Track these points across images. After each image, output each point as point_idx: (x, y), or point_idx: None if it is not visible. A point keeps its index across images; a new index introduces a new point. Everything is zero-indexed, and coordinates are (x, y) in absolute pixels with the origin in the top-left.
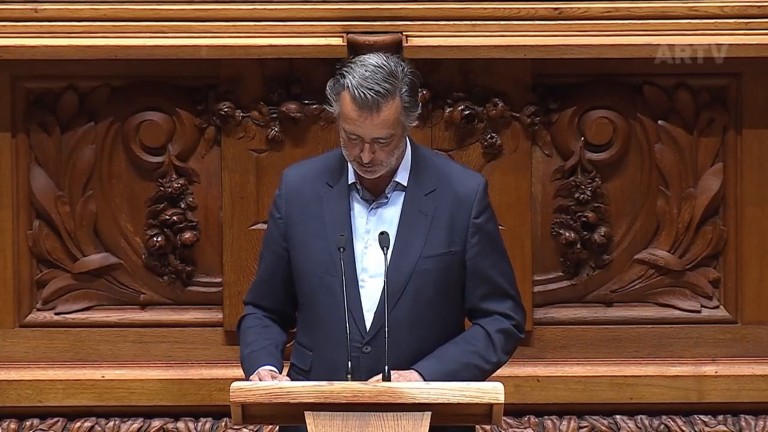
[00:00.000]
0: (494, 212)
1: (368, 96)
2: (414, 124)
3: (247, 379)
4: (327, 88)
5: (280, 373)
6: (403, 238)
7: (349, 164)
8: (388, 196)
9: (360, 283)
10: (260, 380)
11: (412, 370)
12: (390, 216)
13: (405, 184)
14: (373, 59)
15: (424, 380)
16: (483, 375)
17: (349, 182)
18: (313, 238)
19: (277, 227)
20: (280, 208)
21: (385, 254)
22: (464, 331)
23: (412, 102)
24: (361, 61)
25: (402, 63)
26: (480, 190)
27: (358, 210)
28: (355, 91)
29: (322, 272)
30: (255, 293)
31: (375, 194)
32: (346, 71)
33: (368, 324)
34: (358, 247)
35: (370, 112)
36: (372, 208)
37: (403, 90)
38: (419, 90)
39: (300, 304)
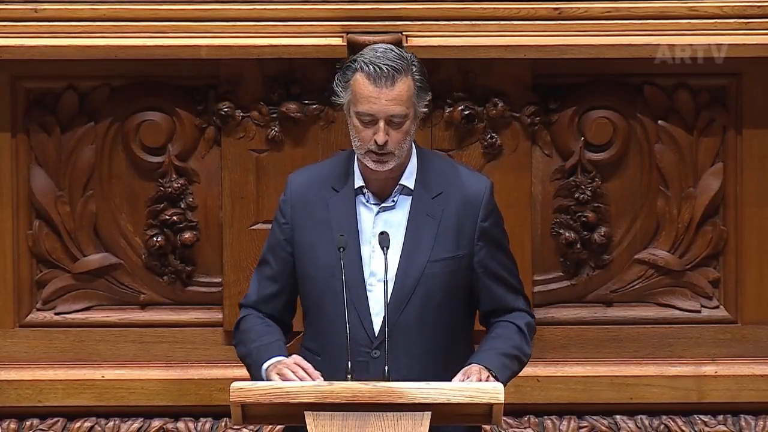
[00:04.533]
0: (501, 214)
1: (383, 68)
2: (424, 110)
3: (254, 374)
4: (335, 81)
5: None
6: (411, 241)
7: (355, 168)
8: (395, 199)
9: (368, 287)
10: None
11: (473, 364)
12: (397, 220)
13: (411, 187)
14: (380, 45)
15: (489, 371)
16: (521, 368)
17: (355, 186)
18: (319, 243)
19: (283, 232)
20: (286, 214)
21: (385, 254)
22: (472, 332)
23: (423, 83)
24: (369, 48)
25: (407, 52)
26: (487, 193)
27: (365, 214)
28: (369, 67)
29: (328, 276)
30: (255, 298)
31: (381, 198)
32: (355, 59)
33: (376, 328)
34: (365, 251)
35: (385, 84)
36: (378, 212)
37: (414, 70)
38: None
39: (306, 309)
